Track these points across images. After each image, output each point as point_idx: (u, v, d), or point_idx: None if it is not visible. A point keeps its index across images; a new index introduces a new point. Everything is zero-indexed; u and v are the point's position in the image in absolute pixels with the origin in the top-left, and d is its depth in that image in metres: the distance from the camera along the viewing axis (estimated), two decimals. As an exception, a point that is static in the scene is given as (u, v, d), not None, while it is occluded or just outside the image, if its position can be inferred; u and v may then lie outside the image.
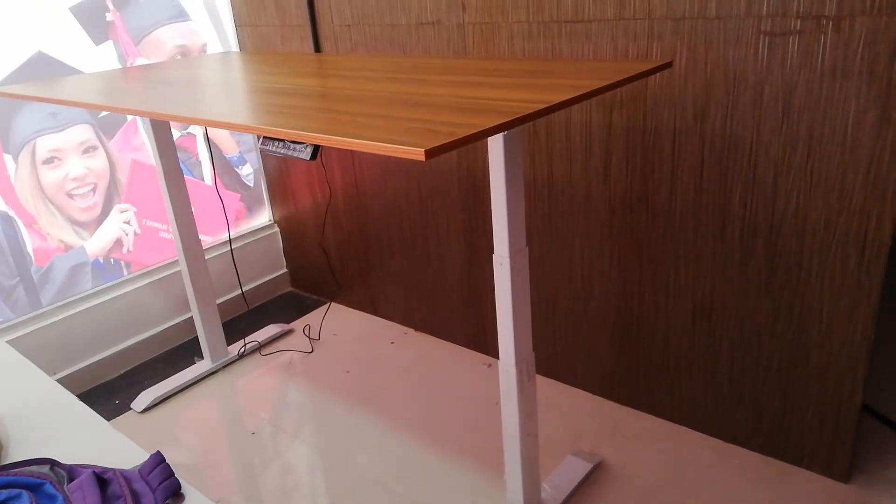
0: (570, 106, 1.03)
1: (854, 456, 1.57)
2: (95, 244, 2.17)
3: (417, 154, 0.79)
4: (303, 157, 1.22)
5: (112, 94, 1.44)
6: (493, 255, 1.24)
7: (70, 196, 2.08)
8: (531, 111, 0.95)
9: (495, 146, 1.16)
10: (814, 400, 1.51)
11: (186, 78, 1.58)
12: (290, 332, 2.39)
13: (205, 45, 2.32)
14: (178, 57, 2.27)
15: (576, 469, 1.61)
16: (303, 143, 1.02)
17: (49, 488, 0.66)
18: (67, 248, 2.10)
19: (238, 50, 2.39)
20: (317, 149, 1.44)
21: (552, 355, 1.96)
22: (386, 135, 0.87)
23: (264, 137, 1.10)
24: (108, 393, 2.13)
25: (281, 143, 1.21)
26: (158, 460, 0.71)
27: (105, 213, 2.17)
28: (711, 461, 1.62)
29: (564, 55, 1.60)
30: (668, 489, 1.55)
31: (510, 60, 1.44)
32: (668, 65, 1.24)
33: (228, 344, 2.27)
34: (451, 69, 1.38)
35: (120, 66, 2.13)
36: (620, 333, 1.78)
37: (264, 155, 2.58)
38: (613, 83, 1.10)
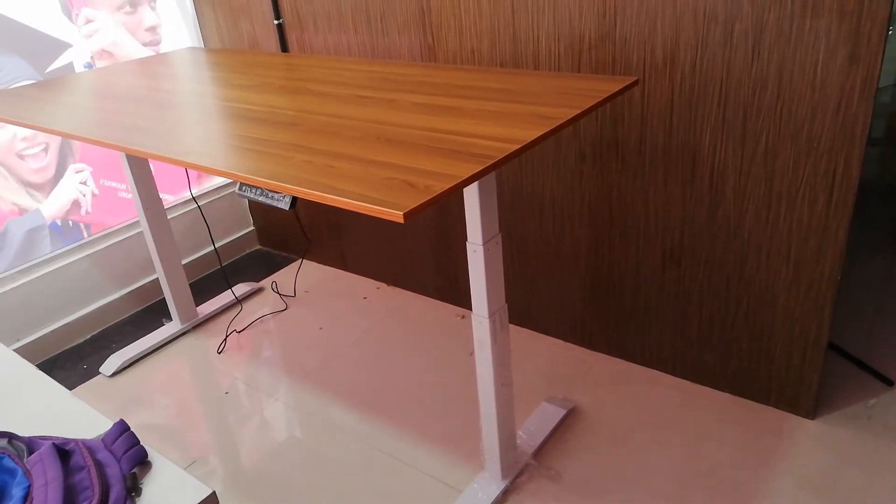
0: (543, 141, 1.06)
1: (820, 393, 1.61)
2: (52, 206, 2.09)
3: (396, 217, 0.81)
4: (281, 207, 1.20)
5: (79, 116, 1.41)
6: (467, 243, 1.25)
7: (21, 157, 1.99)
8: (505, 154, 0.97)
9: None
10: (781, 340, 1.53)
11: (154, 93, 1.53)
12: (260, 290, 2.36)
13: (155, -7, 2.21)
14: (127, 7, 2.15)
15: (550, 415, 1.63)
16: (281, 192, 1.01)
17: (8, 462, 0.64)
18: (22, 211, 2.02)
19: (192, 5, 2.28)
20: (295, 199, 1.43)
21: (525, 304, 1.96)
22: (364, 189, 0.89)
23: (241, 183, 1.08)
24: (75, 358, 2.08)
25: (259, 191, 1.19)
26: (122, 428, 0.69)
27: (59, 173, 2.09)
28: (681, 402, 1.66)
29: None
30: (639, 431, 1.58)
31: (478, 72, 1.43)
32: (635, 83, 1.29)
33: (197, 304, 2.23)
34: (421, 84, 1.38)
35: (64, 16, 2.01)
36: (592, 281, 1.78)
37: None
38: (584, 111, 1.13)
